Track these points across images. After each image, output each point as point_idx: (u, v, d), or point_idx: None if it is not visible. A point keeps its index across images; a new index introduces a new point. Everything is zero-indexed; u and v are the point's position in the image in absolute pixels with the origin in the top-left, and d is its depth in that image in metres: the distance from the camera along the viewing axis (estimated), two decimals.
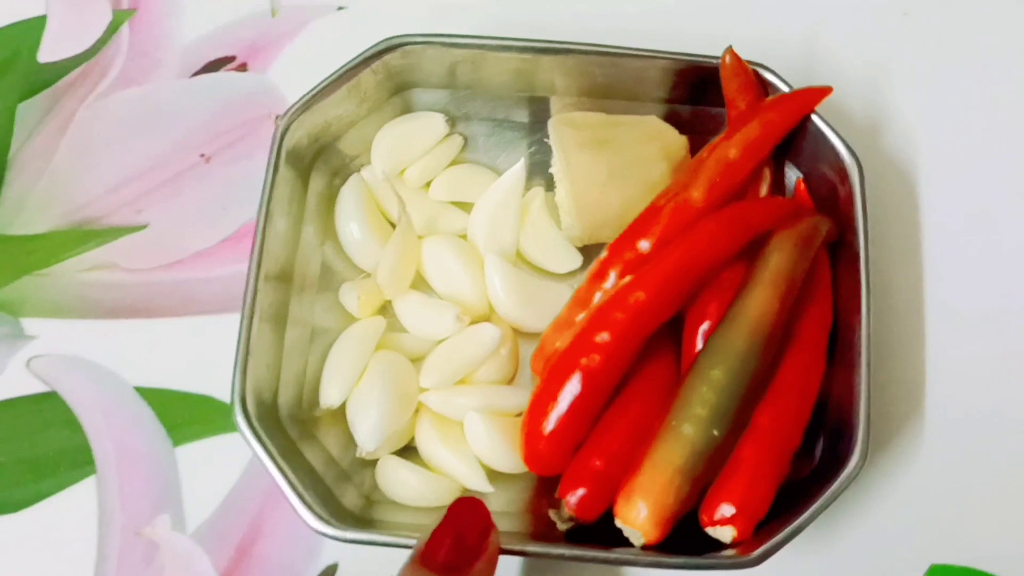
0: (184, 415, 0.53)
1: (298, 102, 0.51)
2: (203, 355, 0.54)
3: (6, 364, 0.54)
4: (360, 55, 0.51)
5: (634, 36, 0.53)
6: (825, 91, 0.51)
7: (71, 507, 0.52)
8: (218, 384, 0.53)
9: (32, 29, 0.61)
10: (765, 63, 0.52)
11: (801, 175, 0.53)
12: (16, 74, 0.60)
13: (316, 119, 0.52)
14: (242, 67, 0.60)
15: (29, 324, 0.55)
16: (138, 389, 0.53)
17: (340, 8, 0.61)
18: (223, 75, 0.60)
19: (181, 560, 0.50)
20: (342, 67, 0.51)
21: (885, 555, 0.50)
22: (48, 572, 0.51)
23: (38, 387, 0.54)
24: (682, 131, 0.54)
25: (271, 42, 0.60)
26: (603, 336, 0.45)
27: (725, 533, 0.44)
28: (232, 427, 0.46)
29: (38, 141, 0.58)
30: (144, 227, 0.56)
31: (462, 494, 0.50)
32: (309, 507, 0.45)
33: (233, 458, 0.52)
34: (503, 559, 0.49)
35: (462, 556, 0.42)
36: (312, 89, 0.51)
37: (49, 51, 0.61)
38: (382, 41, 0.51)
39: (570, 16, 0.60)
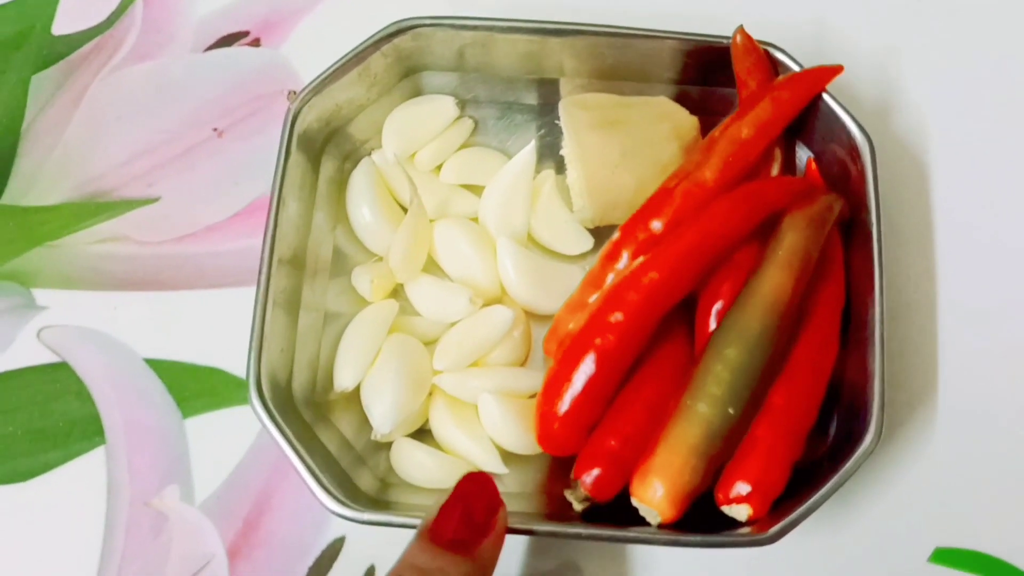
0: (194, 387, 0.53)
1: (308, 86, 0.51)
2: (213, 328, 0.54)
3: (17, 334, 0.54)
4: (370, 38, 0.51)
5: (644, 16, 0.53)
6: (836, 70, 0.51)
7: (80, 477, 0.52)
8: (228, 357, 0.53)
9: (47, 2, 0.61)
10: (775, 44, 0.52)
11: (812, 155, 0.54)
12: (31, 46, 0.60)
13: (327, 103, 0.52)
14: (255, 42, 0.60)
15: (40, 295, 0.55)
16: (148, 361, 0.53)
17: None
18: (236, 50, 0.60)
19: (189, 532, 0.51)
20: (352, 51, 0.51)
21: (893, 536, 0.50)
22: (57, 541, 0.51)
23: (49, 357, 0.54)
24: (692, 111, 0.54)
25: (284, 17, 0.60)
26: (617, 316, 0.46)
27: (741, 511, 0.44)
28: (241, 400, 0.46)
29: (51, 113, 0.58)
30: (156, 200, 0.56)
31: None
32: (326, 489, 0.45)
33: (242, 431, 0.52)
34: (518, 539, 0.49)
35: (470, 532, 0.42)
36: (322, 73, 0.51)
37: (64, 24, 0.61)
38: (391, 24, 0.51)
39: None
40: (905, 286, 0.54)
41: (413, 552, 0.41)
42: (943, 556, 0.50)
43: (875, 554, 0.50)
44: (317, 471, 0.45)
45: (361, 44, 0.51)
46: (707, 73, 0.54)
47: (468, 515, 0.42)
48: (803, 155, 0.54)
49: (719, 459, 0.44)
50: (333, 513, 0.45)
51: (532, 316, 0.53)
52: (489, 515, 0.43)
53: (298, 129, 0.50)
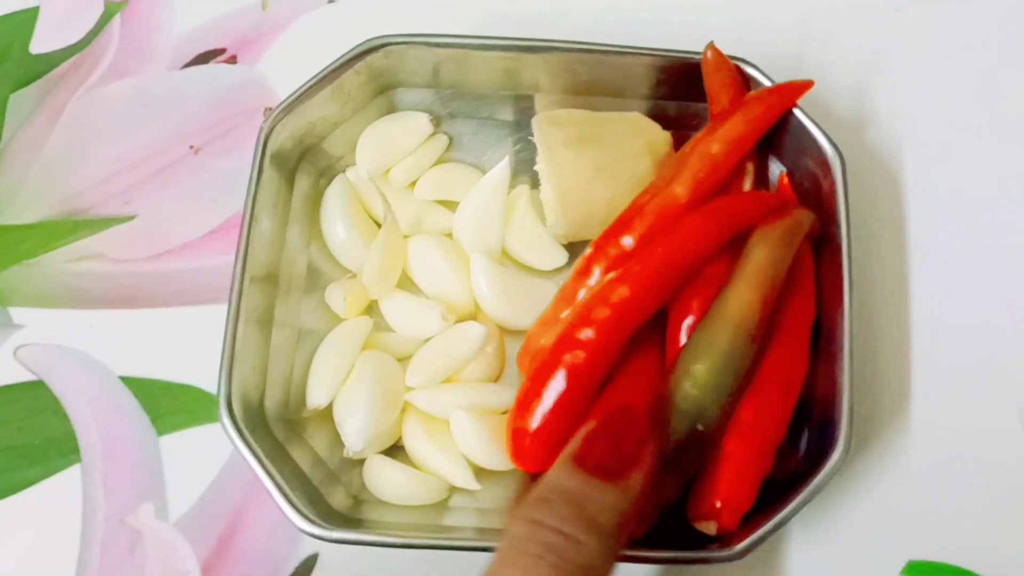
0: (169, 405, 0.53)
1: (281, 105, 0.51)
2: (189, 346, 0.54)
3: None
4: (342, 56, 0.51)
5: (618, 33, 0.53)
6: (807, 85, 0.51)
7: (56, 495, 0.52)
8: (203, 375, 0.53)
9: (25, 20, 0.62)
10: (751, 59, 0.52)
11: (785, 170, 0.54)
12: (8, 65, 0.60)
13: (300, 121, 0.52)
14: (232, 59, 0.60)
15: (17, 313, 0.55)
16: (124, 379, 0.54)
17: (330, 1, 0.61)
18: (213, 67, 0.60)
19: (164, 549, 0.51)
20: (324, 69, 0.51)
21: (866, 550, 0.50)
22: (32, 559, 0.51)
23: (25, 376, 0.54)
24: (667, 127, 0.54)
25: (261, 35, 0.61)
26: (587, 333, 0.45)
27: (710, 527, 0.44)
28: (216, 418, 0.46)
29: (29, 132, 0.59)
30: (133, 218, 0.57)
31: (449, 492, 0.50)
32: (295, 508, 0.45)
33: (216, 448, 0.52)
34: (481, 556, 0.49)
35: (618, 461, 0.39)
36: (295, 91, 0.51)
37: (42, 42, 0.61)
38: (364, 42, 0.52)
39: (559, 12, 0.60)
40: (878, 299, 0.54)
41: (557, 475, 0.39)
42: (916, 569, 0.50)
43: (848, 568, 0.50)
44: (287, 489, 0.45)
45: (334, 62, 0.51)
46: (681, 89, 0.54)
47: (616, 443, 0.39)
48: (776, 170, 0.54)
49: (688, 475, 0.45)
50: (303, 532, 0.45)
51: (506, 332, 0.53)
52: (640, 447, 0.40)
53: (271, 147, 0.50)
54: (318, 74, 0.51)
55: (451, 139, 0.57)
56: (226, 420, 0.46)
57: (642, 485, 0.39)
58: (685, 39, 0.52)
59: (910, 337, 0.54)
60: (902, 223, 0.56)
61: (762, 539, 0.44)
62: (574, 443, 0.40)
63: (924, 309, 0.54)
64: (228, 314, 0.47)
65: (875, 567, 0.50)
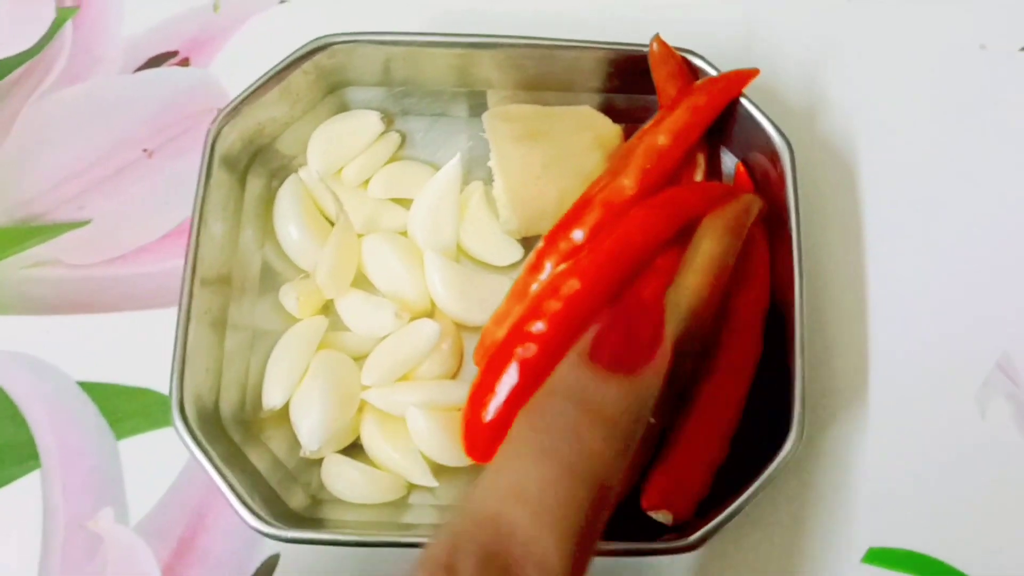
0: (126, 409, 0.53)
1: (227, 107, 0.51)
2: (145, 349, 0.54)
3: None
4: (288, 57, 0.51)
5: (566, 26, 0.53)
6: (752, 73, 0.51)
7: (16, 501, 0.52)
8: (160, 378, 0.52)
9: None
10: (700, 51, 0.52)
11: (737, 160, 0.54)
12: None
13: (248, 122, 0.52)
14: (184, 62, 0.60)
15: None
16: (81, 384, 0.53)
17: (281, 2, 0.61)
18: (165, 70, 0.60)
19: (124, 553, 0.51)
20: (271, 70, 0.51)
21: (826, 537, 0.50)
22: None
23: None
24: (618, 120, 0.54)
25: (213, 36, 0.61)
26: (538, 326, 0.46)
27: (666, 516, 0.44)
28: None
29: None
30: (87, 223, 0.57)
31: (407, 490, 0.50)
32: (251, 509, 0.45)
33: (175, 452, 0.51)
34: None
35: (631, 353, 0.35)
36: (241, 93, 0.51)
37: None
38: (309, 42, 0.51)
39: (507, 7, 0.60)
40: (832, 287, 0.54)
41: (564, 370, 0.36)
42: (877, 556, 0.50)
43: (808, 556, 0.50)
44: (242, 491, 0.45)
45: (279, 63, 0.51)
46: (630, 81, 0.54)
47: (631, 335, 0.36)
48: (729, 161, 0.54)
49: (640, 465, 0.45)
50: (259, 533, 0.45)
51: (463, 328, 0.53)
52: (654, 338, 0.36)
53: (219, 149, 0.50)
54: (264, 75, 0.51)
55: (404, 137, 0.57)
56: (179, 423, 0.46)
57: (653, 382, 0.36)
58: (634, 32, 0.53)
59: (865, 324, 0.54)
60: (855, 212, 0.56)
61: (717, 528, 0.44)
62: (584, 338, 0.36)
63: (878, 296, 0.54)
64: (178, 317, 0.47)
65: (835, 555, 0.50)
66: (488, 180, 0.55)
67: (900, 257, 0.55)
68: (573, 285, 0.46)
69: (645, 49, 0.52)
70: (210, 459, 0.45)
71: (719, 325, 0.47)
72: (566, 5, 0.60)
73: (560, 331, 0.46)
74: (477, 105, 0.56)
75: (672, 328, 0.44)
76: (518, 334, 0.46)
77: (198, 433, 0.46)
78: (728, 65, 0.52)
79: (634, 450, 0.35)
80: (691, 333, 0.45)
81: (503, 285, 0.52)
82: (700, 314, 0.45)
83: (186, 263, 0.48)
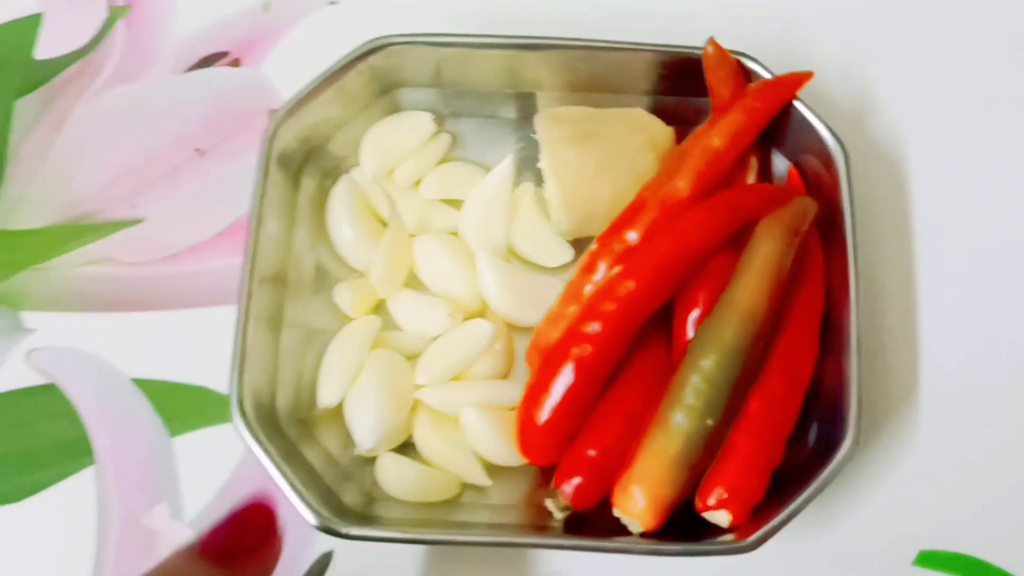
0: (181, 406, 0.53)
1: (284, 106, 0.51)
2: (199, 347, 0.54)
3: (6, 357, 0.55)
4: (344, 57, 0.52)
5: (617, 29, 0.54)
6: (806, 76, 0.51)
7: (70, 497, 0.52)
8: (214, 375, 0.54)
9: (29, 26, 0.62)
10: (750, 53, 0.52)
11: (789, 163, 0.54)
12: (13, 71, 0.60)
13: (303, 122, 0.52)
14: (236, 62, 0.60)
15: (28, 317, 0.55)
16: (135, 380, 0.54)
17: (332, 3, 0.62)
18: (217, 70, 0.60)
19: None
20: (327, 70, 0.51)
21: (877, 540, 0.50)
22: (48, 562, 0.51)
23: (37, 379, 0.54)
24: (668, 122, 0.54)
25: (264, 37, 0.61)
26: (594, 327, 0.46)
27: (720, 517, 0.45)
28: (228, 418, 0.46)
29: (35, 137, 0.59)
30: (140, 221, 0.57)
31: (461, 489, 0.50)
32: (309, 506, 0.45)
33: (229, 448, 0.52)
34: (502, 550, 0.50)
35: (236, 550, 0.41)
36: (298, 93, 0.51)
37: (46, 48, 0.61)
38: (366, 43, 0.52)
39: (559, 9, 0.61)
40: (884, 291, 0.54)
41: (173, 557, 0.40)
42: (928, 559, 0.50)
43: (859, 558, 0.50)
44: (301, 488, 0.45)
45: (335, 64, 0.51)
46: (681, 84, 0.54)
47: (241, 533, 0.42)
48: (780, 163, 0.54)
49: (699, 468, 0.45)
50: (317, 529, 0.45)
51: (514, 328, 0.53)
52: (262, 539, 0.42)
53: (276, 149, 0.51)
54: (321, 75, 0.51)
55: (454, 138, 0.57)
56: (239, 420, 0.46)
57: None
58: (684, 34, 0.53)
59: (916, 329, 0.54)
60: (906, 216, 0.56)
61: (774, 530, 0.44)
62: (202, 532, 0.41)
63: (929, 301, 0.54)
64: (238, 315, 0.48)
65: (887, 557, 0.50)
66: (538, 181, 0.55)
67: (951, 261, 0.55)
68: (628, 286, 0.46)
69: (696, 52, 0.52)
70: (269, 456, 0.46)
71: (775, 329, 0.47)
72: (613, 7, 0.61)
73: (616, 331, 0.46)
74: (526, 107, 0.56)
75: (730, 330, 0.45)
76: (573, 335, 0.46)
77: (257, 430, 0.46)
78: (776, 69, 0.52)
79: None
80: (749, 336, 0.45)
81: (554, 286, 0.52)
82: (758, 317, 0.45)
83: (245, 262, 0.49)
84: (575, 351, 0.46)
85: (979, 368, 0.53)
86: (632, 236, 0.49)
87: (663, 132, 0.53)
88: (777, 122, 0.52)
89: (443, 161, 0.57)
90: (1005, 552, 0.50)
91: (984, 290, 0.55)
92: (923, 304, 0.54)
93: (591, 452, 0.46)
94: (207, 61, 0.61)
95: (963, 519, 0.51)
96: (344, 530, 0.45)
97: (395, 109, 0.56)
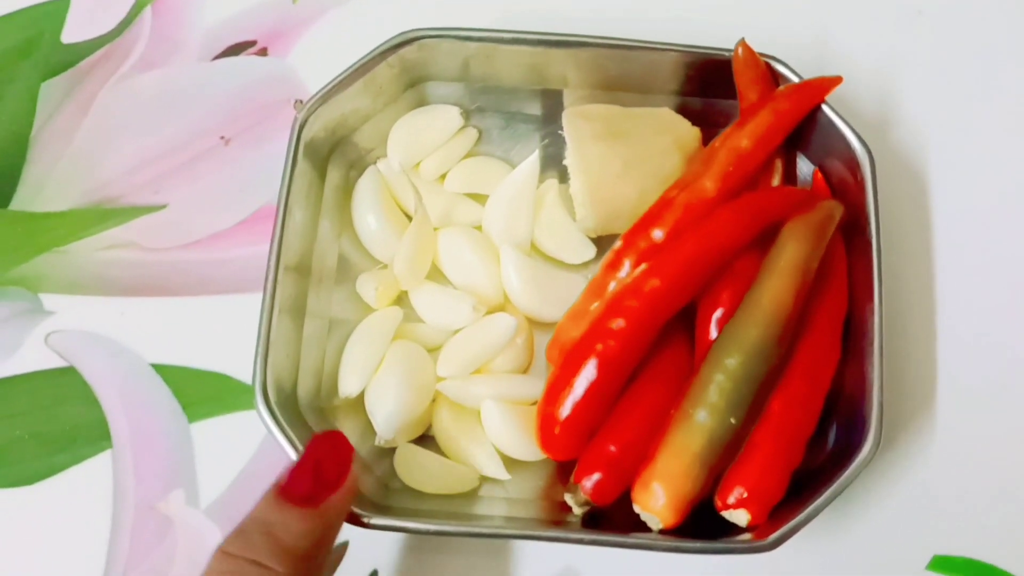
0: (199, 392, 0.54)
1: (315, 96, 0.51)
2: (219, 334, 0.54)
3: (25, 339, 0.55)
4: (376, 49, 0.52)
5: (646, 29, 0.54)
6: (835, 80, 0.51)
7: (87, 481, 0.52)
8: (233, 363, 0.54)
9: (57, 10, 0.62)
10: (776, 56, 0.53)
11: (814, 166, 0.54)
12: (40, 54, 0.61)
13: (332, 112, 0.52)
14: (262, 52, 0.61)
15: (48, 300, 0.55)
16: (154, 366, 0.54)
17: None
18: (243, 59, 0.61)
19: (193, 535, 0.51)
20: (358, 61, 0.52)
21: (892, 543, 0.50)
22: (63, 544, 0.51)
23: (56, 362, 0.54)
24: (694, 123, 0.54)
25: (291, 27, 0.61)
26: (619, 323, 0.46)
27: (739, 516, 0.45)
28: (246, 405, 0.47)
29: (60, 121, 0.59)
30: (163, 207, 0.57)
31: (479, 481, 0.50)
32: None
33: (247, 436, 0.52)
34: (521, 543, 0.50)
35: (320, 489, 0.42)
36: (329, 83, 0.51)
37: (73, 32, 0.61)
38: (397, 35, 0.52)
39: (583, 7, 0.61)
40: (904, 296, 0.55)
41: (261, 508, 0.41)
42: (941, 563, 0.50)
43: (874, 561, 0.50)
44: None
45: (367, 55, 0.52)
46: (709, 85, 0.54)
47: (319, 472, 0.42)
48: (805, 167, 0.55)
49: (720, 466, 0.45)
50: None
51: (535, 324, 0.53)
52: (340, 473, 0.42)
53: (304, 138, 0.51)
54: (352, 66, 0.51)
55: (480, 133, 0.57)
56: (262, 407, 0.46)
57: (340, 508, 0.42)
58: (712, 36, 0.53)
59: (935, 334, 0.54)
60: (927, 221, 0.56)
61: (793, 530, 0.44)
62: (281, 475, 0.42)
63: (949, 306, 0.55)
64: (263, 303, 0.48)
65: (901, 560, 0.50)
66: (562, 178, 0.55)
67: (972, 270, 0.55)
68: (654, 284, 0.46)
69: (725, 53, 0.52)
70: (292, 443, 0.46)
71: (798, 330, 0.47)
72: (642, 7, 0.61)
73: (640, 328, 0.46)
74: (551, 104, 0.57)
75: (756, 330, 0.45)
76: (598, 331, 0.47)
77: (280, 417, 0.46)
78: (802, 72, 0.52)
79: (321, 567, 0.42)
80: (774, 336, 0.45)
81: (576, 283, 0.52)
82: (782, 318, 0.45)
83: (271, 250, 0.49)
84: (599, 346, 0.46)
85: (997, 376, 0.53)
86: (658, 234, 0.49)
87: (690, 133, 0.54)
88: (803, 125, 0.52)
89: (468, 156, 0.57)
90: (1019, 559, 0.50)
91: (1004, 299, 0.55)
92: (943, 311, 0.55)
93: (612, 448, 0.46)
94: (234, 50, 0.61)
95: (979, 524, 0.51)
96: (364, 519, 0.45)
97: (422, 103, 0.57)
